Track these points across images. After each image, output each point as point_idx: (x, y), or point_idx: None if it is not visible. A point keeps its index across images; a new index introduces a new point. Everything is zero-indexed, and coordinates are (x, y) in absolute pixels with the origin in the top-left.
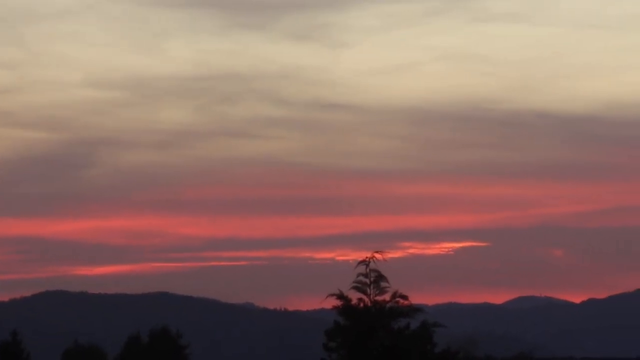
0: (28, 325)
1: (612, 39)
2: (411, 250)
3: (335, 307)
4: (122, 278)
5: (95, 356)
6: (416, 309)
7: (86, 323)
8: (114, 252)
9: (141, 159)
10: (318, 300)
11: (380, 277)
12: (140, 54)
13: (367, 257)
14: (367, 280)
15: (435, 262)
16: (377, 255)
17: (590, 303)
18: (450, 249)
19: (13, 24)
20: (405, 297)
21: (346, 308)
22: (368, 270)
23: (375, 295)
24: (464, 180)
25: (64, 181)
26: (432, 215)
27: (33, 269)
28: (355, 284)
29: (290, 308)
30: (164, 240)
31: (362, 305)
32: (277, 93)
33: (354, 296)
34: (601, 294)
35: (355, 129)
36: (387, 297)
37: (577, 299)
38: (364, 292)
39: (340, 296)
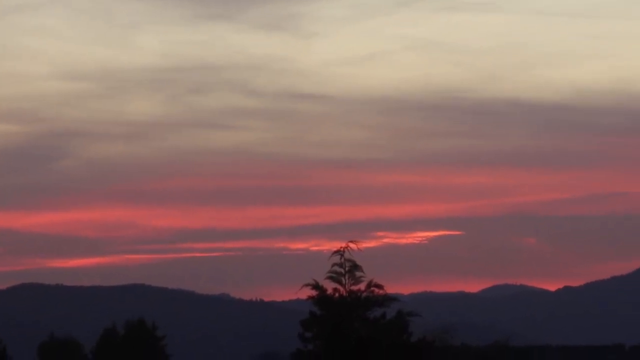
0: (3, 319)
1: (582, 26)
2: (385, 240)
3: (310, 298)
4: (97, 270)
5: (71, 349)
6: (391, 299)
7: (62, 316)
8: (88, 244)
9: (112, 151)
10: (293, 291)
11: (355, 266)
12: (108, 46)
13: (341, 247)
14: (342, 270)
15: (409, 252)
16: (352, 245)
17: (566, 291)
18: (424, 238)
19: None
20: (380, 287)
21: (322, 298)
22: (343, 260)
23: (351, 285)
24: (436, 169)
25: (36, 174)
26: (405, 205)
27: (7, 262)
28: (330, 274)
29: (266, 299)
30: (138, 232)
31: (337, 295)
32: (247, 83)
33: (329, 286)
34: (576, 282)
35: (327, 119)
36: (362, 286)
37: (552, 287)
38: (339, 282)
39: (316, 286)
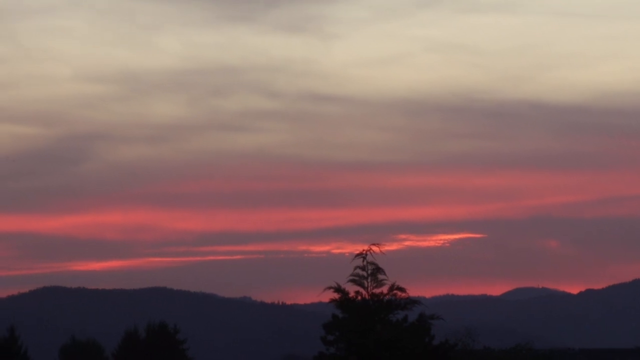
0: (25, 322)
1: (601, 27)
2: (407, 243)
3: (332, 301)
4: (118, 273)
5: (92, 351)
6: (414, 301)
7: (84, 319)
8: (110, 247)
9: (134, 154)
10: (315, 294)
11: (377, 269)
12: (130, 48)
13: (364, 250)
14: (365, 273)
15: (431, 254)
16: (374, 248)
17: (588, 293)
18: (446, 241)
19: (3, 20)
20: (402, 290)
21: (344, 301)
22: (365, 263)
23: (373, 288)
24: (457, 171)
25: (58, 176)
26: (427, 207)
27: (30, 265)
28: (352, 277)
29: (288, 302)
30: (160, 235)
31: (359, 298)
32: (268, 85)
33: (351, 289)
34: (599, 285)
35: (347, 120)
36: (384, 289)
37: (574, 290)
38: (362, 285)
39: (338, 289)
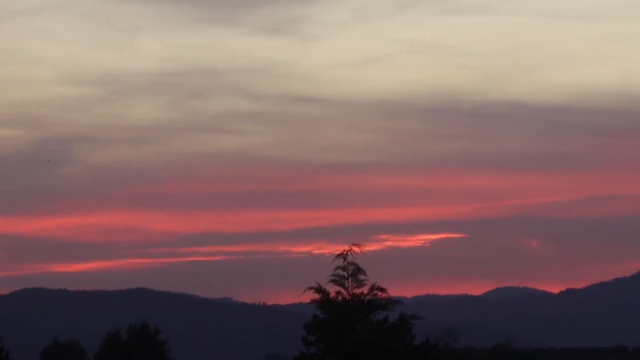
0: (7, 323)
1: (583, 29)
2: (388, 243)
3: (313, 301)
4: (100, 275)
5: (74, 353)
6: (395, 302)
7: (65, 320)
8: (91, 248)
9: (116, 156)
10: (296, 294)
11: (358, 270)
12: (111, 51)
13: (344, 250)
14: (345, 274)
15: (412, 255)
16: (355, 248)
17: (569, 293)
18: (426, 241)
19: None
20: (383, 290)
21: (325, 301)
22: (346, 263)
23: (354, 288)
24: (438, 172)
25: (40, 178)
26: (408, 208)
27: (11, 267)
28: (333, 277)
29: (269, 302)
30: (141, 236)
31: (340, 298)
32: (249, 87)
33: (332, 289)
34: (579, 284)
35: (329, 122)
36: (365, 289)
37: (555, 289)
38: (342, 285)
39: (319, 289)
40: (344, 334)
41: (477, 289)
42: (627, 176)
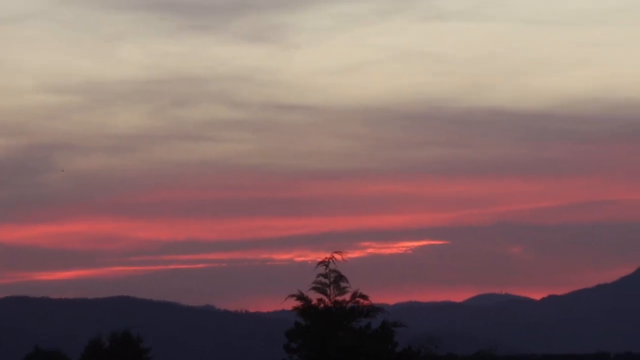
0: None
1: (565, 34)
2: (370, 250)
3: (295, 308)
4: (82, 283)
5: None
6: (377, 309)
7: (48, 328)
8: (73, 256)
9: (98, 164)
10: (278, 302)
11: (340, 277)
12: (92, 59)
13: (326, 258)
14: (327, 281)
15: (394, 262)
16: (337, 256)
17: (551, 299)
18: (408, 248)
19: None
20: (365, 297)
21: (306, 309)
22: (328, 270)
23: (336, 295)
24: (420, 179)
25: (21, 187)
26: (390, 215)
27: None
28: (315, 285)
29: (251, 309)
30: (123, 244)
31: (322, 305)
32: (231, 95)
33: (314, 297)
34: (561, 290)
35: (311, 129)
36: (347, 297)
37: (537, 296)
38: (324, 293)
39: (300, 297)
40: (326, 341)
41: (459, 296)
42: (611, 183)
